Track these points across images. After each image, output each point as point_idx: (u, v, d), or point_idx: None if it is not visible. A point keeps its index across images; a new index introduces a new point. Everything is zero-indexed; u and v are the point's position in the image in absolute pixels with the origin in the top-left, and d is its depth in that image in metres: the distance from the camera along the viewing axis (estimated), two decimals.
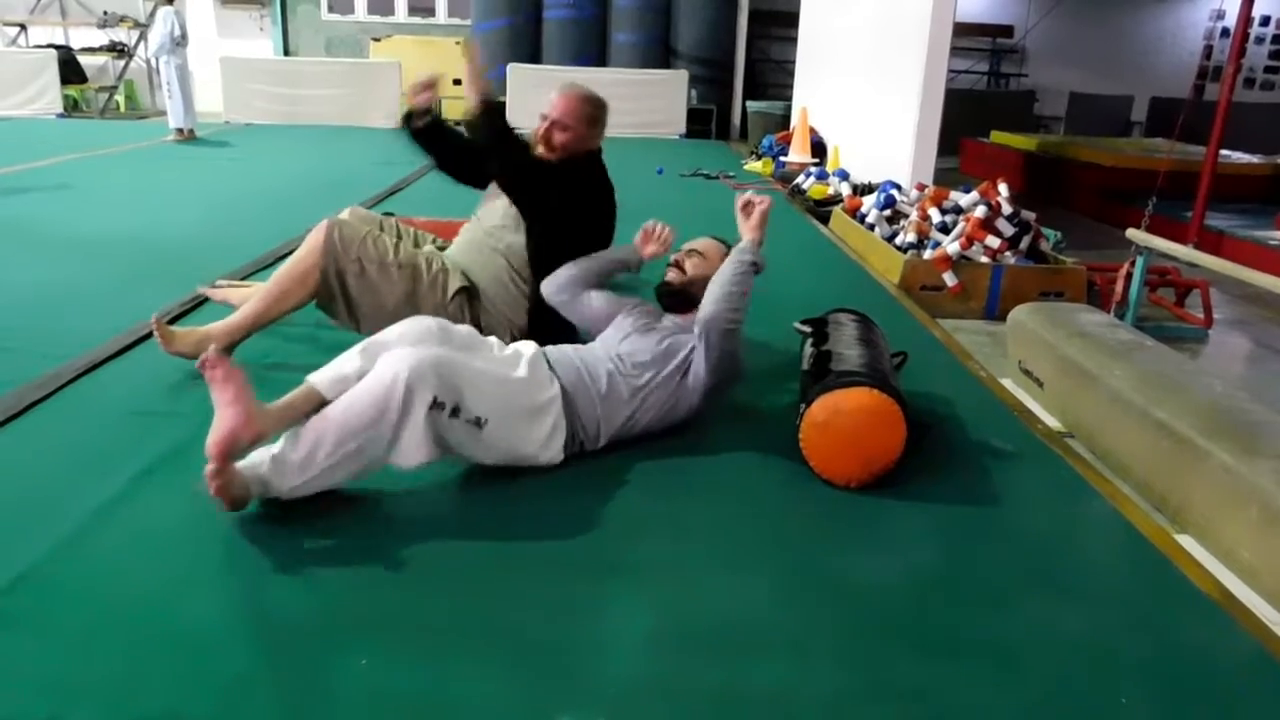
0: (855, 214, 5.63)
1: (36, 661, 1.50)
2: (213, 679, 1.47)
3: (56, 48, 12.61)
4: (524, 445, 2.16)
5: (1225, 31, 12.51)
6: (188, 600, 1.67)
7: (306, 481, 1.92)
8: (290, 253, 2.90)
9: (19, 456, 2.24)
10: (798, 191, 7.40)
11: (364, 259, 2.76)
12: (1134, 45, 14.63)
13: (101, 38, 13.53)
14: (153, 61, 11.71)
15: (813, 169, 7.89)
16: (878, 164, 6.81)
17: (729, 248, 2.58)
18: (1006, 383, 3.27)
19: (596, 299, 2.64)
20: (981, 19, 14.14)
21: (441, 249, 3.06)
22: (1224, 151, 6.60)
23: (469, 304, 2.85)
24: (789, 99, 11.43)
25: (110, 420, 2.46)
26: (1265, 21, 14.39)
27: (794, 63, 11.47)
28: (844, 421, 2.22)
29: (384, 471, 2.01)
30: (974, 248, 4.54)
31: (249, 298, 2.85)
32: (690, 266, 2.60)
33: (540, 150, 2.86)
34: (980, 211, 4.62)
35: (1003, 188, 4.84)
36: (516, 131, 2.85)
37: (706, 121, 12.32)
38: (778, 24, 13.25)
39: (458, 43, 12.64)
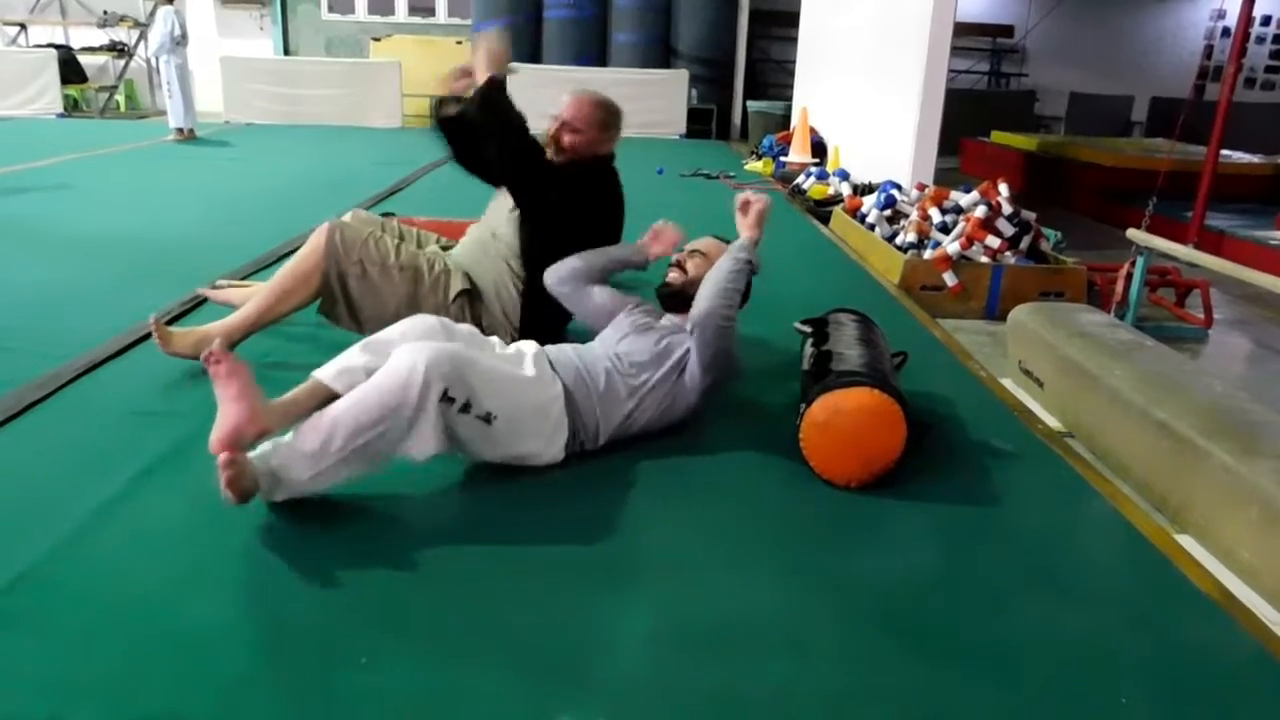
0: (855, 214, 5.63)
1: (36, 661, 1.50)
2: (213, 679, 1.47)
3: (56, 47, 12.62)
4: (529, 443, 2.16)
5: (1226, 31, 12.50)
6: (188, 600, 1.67)
7: (317, 475, 1.90)
8: (290, 253, 2.91)
9: (19, 456, 2.24)
10: (798, 191, 7.40)
11: (366, 261, 2.77)
12: (1134, 45, 14.63)
13: (101, 37, 13.54)
14: (153, 61, 11.72)
15: (813, 169, 7.89)
16: (878, 164, 6.82)
17: (729, 246, 2.58)
18: (1007, 383, 3.27)
19: (599, 294, 2.64)
20: (982, 19, 14.14)
21: (445, 249, 3.06)
22: (1224, 151, 6.60)
23: (470, 306, 2.85)
24: (789, 99, 11.43)
25: (110, 420, 2.46)
26: (1266, 21, 14.38)
27: (794, 63, 11.47)
28: (844, 421, 2.22)
29: (384, 472, 2.00)
30: (974, 248, 4.54)
31: (250, 298, 2.86)
32: (692, 267, 2.60)
33: (549, 151, 2.86)
34: (980, 211, 4.62)
35: (1003, 188, 4.84)
36: (524, 121, 2.77)
37: (707, 121, 12.33)
38: (778, 24, 13.26)
39: (459, 41, 12.66)
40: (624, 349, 2.40)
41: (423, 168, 7.97)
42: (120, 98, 13.37)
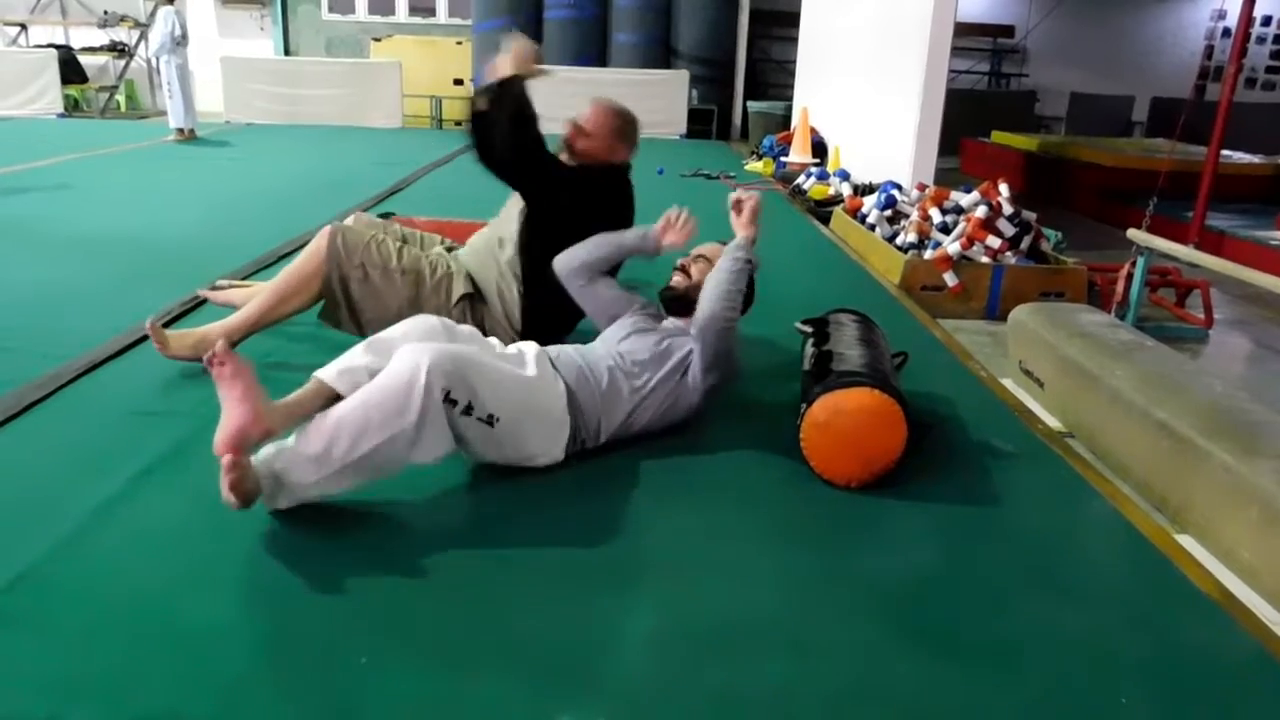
0: (856, 214, 5.63)
1: (36, 660, 1.50)
2: (213, 679, 1.47)
3: (57, 47, 12.63)
4: (531, 444, 2.16)
5: (1226, 31, 12.51)
6: (188, 600, 1.67)
7: (322, 480, 1.89)
8: (291, 253, 2.91)
9: (19, 456, 2.24)
10: (798, 192, 7.40)
11: (367, 264, 2.77)
12: (1135, 45, 14.63)
13: (102, 37, 13.55)
14: (153, 61, 11.71)
15: (813, 169, 7.89)
16: (878, 164, 6.82)
17: None
18: (1007, 383, 3.27)
19: (606, 290, 2.64)
20: (982, 19, 14.14)
21: (450, 249, 3.05)
22: (1225, 152, 6.60)
23: (472, 309, 2.85)
24: (790, 99, 11.44)
25: (110, 420, 2.46)
26: (1266, 21, 14.38)
27: (795, 63, 11.48)
28: (845, 421, 2.22)
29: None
30: (975, 248, 4.54)
31: (250, 298, 2.86)
32: (696, 271, 2.60)
33: (564, 155, 2.87)
34: (981, 211, 4.62)
35: (1003, 188, 4.84)
36: (534, 117, 2.74)
37: (707, 121, 12.33)
38: (778, 24, 13.26)
39: (459, 41, 12.67)
40: (626, 348, 2.40)
41: (423, 167, 7.97)
42: (121, 98, 13.39)
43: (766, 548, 1.98)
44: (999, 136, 10.56)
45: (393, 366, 1.94)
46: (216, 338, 2.70)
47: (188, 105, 9.44)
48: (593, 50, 12.23)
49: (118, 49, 13.52)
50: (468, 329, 2.34)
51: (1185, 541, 2.18)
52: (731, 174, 8.51)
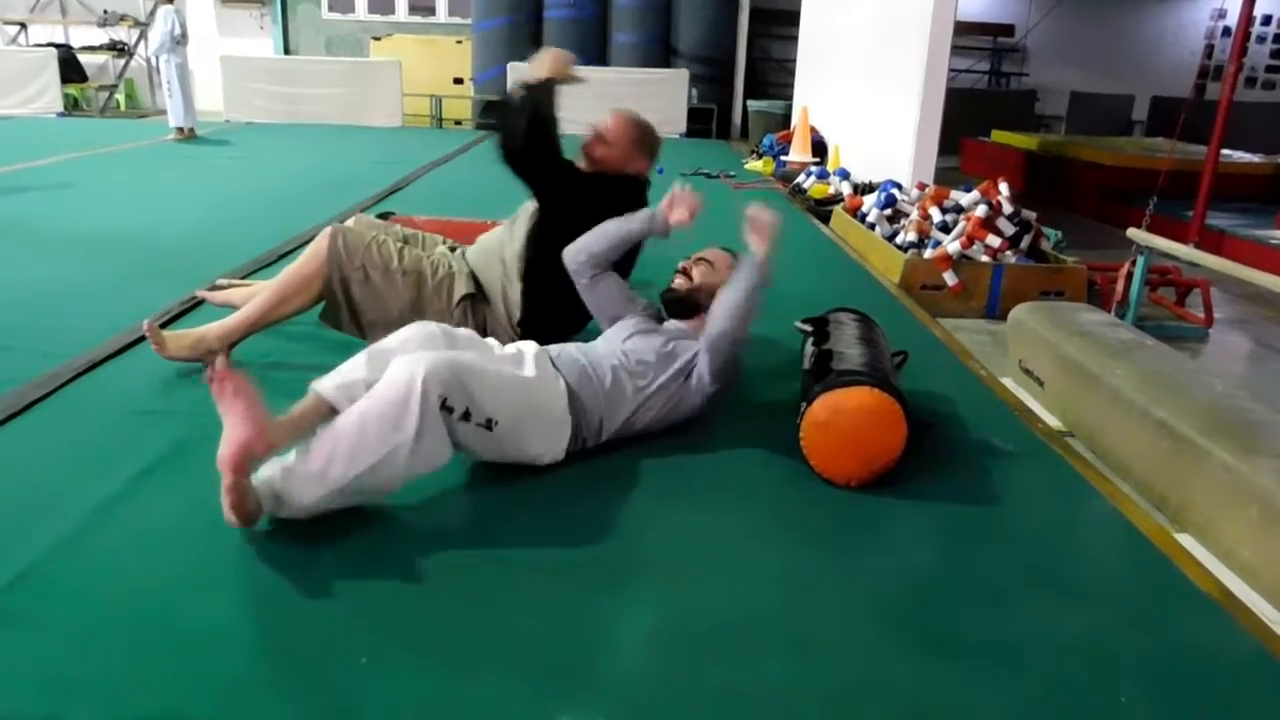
0: (856, 213, 5.63)
1: (36, 660, 1.50)
2: (213, 679, 1.47)
3: (57, 46, 12.63)
4: (532, 443, 2.16)
5: (1226, 31, 12.49)
6: (188, 600, 1.67)
7: (323, 497, 1.86)
8: (291, 252, 2.91)
9: (19, 456, 2.24)
10: (798, 191, 7.40)
11: (368, 265, 2.76)
12: (1135, 45, 14.63)
13: (102, 36, 13.55)
14: (153, 60, 11.73)
15: (813, 168, 7.89)
16: (878, 163, 6.82)
17: (736, 258, 2.57)
18: (1007, 382, 3.27)
19: (613, 288, 2.63)
20: (982, 18, 14.13)
21: (452, 249, 3.05)
22: (1225, 151, 6.60)
23: (473, 310, 2.85)
24: (790, 98, 11.43)
25: (110, 419, 2.46)
26: (1266, 21, 14.38)
27: (795, 62, 11.47)
28: (845, 420, 2.22)
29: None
30: (975, 247, 4.54)
31: (250, 297, 2.85)
32: (698, 274, 2.60)
33: (581, 161, 2.88)
34: (981, 211, 4.62)
35: (1003, 187, 4.84)
36: (555, 118, 2.75)
37: (707, 121, 12.33)
38: (778, 23, 13.26)
39: (459, 40, 12.67)
40: (630, 347, 2.40)
41: (422, 166, 7.98)
42: (120, 97, 13.38)
43: (766, 547, 1.98)
44: (999, 136, 10.56)
45: (388, 378, 1.93)
46: (214, 338, 2.70)
47: (187, 104, 9.44)
48: (593, 50, 12.21)
49: (117, 48, 13.52)
50: (466, 333, 2.32)
51: (1185, 541, 2.18)
52: (732, 173, 8.51)
